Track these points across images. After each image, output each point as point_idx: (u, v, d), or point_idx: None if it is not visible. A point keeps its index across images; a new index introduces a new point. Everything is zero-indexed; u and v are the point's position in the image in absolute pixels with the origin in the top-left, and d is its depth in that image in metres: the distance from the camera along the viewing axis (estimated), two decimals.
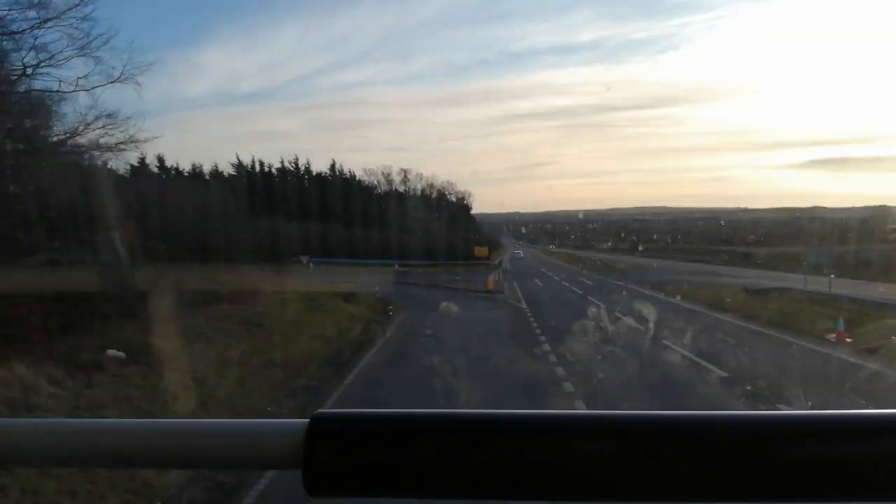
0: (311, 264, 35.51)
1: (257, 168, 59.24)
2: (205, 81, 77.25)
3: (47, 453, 0.76)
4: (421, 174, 67.79)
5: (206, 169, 57.46)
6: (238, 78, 79.53)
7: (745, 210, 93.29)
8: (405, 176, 66.66)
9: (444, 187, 70.07)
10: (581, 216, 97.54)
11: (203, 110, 79.93)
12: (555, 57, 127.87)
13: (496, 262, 55.93)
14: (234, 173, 58.37)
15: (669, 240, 76.88)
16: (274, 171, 60.02)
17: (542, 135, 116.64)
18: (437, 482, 0.67)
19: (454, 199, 71.72)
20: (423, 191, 68.28)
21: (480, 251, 51.15)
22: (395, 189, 66.44)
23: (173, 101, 75.45)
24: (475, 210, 77.22)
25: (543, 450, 0.67)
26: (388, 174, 65.90)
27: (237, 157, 58.88)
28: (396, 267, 42.47)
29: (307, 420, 0.69)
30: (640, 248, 70.71)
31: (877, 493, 0.63)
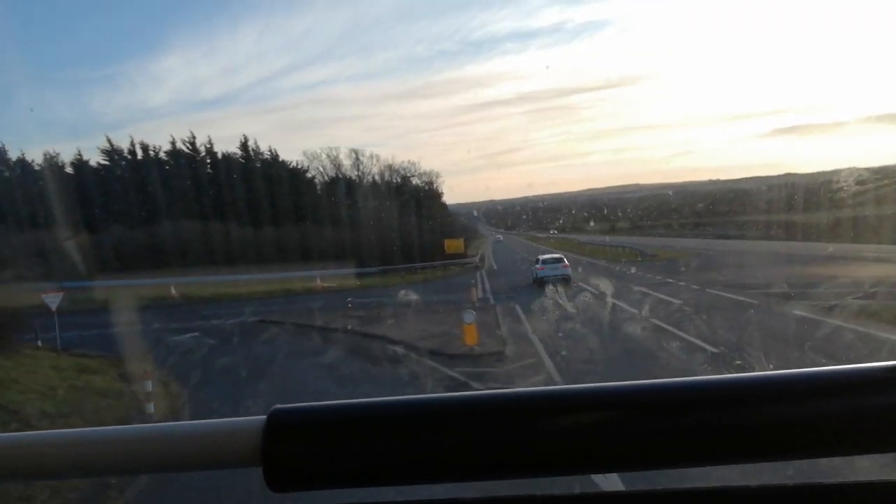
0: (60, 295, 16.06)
1: (139, 153, 43.07)
2: (167, 90, 71.04)
3: None
4: (377, 155, 52.45)
5: (68, 158, 41.74)
6: (199, 84, 73.32)
7: (717, 182, 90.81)
8: (356, 158, 50.90)
9: (405, 169, 54.44)
10: (559, 199, 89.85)
11: (167, 119, 72.41)
12: (515, 43, 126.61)
13: (476, 258, 40.60)
14: (107, 162, 42.33)
15: (674, 215, 66.50)
16: (163, 155, 43.94)
17: (510, 121, 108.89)
18: (398, 469, 0.66)
19: (420, 182, 55.95)
20: (380, 175, 52.69)
21: (453, 245, 35.78)
22: (343, 174, 50.87)
23: (136, 112, 69.69)
24: (448, 200, 61.82)
25: (502, 429, 0.65)
26: (335, 157, 50.17)
27: (108, 141, 42.61)
28: (319, 281, 27.17)
29: (265, 417, 0.68)
30: (648, 226, 59.78)
31: (853, 447, 0.63)
